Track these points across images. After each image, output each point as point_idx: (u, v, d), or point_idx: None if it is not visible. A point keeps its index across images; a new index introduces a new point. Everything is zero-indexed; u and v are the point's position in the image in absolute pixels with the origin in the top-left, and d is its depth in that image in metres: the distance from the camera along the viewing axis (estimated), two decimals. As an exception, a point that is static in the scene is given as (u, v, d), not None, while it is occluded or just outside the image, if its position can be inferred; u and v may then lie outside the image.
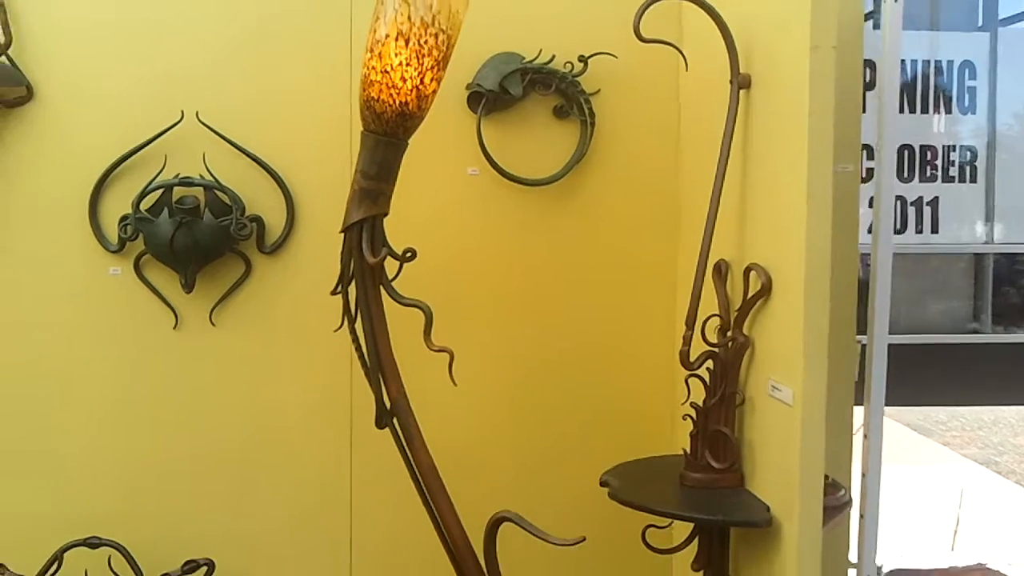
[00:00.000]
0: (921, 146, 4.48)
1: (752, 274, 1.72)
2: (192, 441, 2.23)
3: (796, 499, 1.58)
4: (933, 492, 7.33)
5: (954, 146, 4.27)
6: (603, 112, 2.19)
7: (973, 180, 4.31)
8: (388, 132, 1.76)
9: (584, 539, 1.70)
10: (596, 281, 2.22)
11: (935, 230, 4.52)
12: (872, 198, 5.31)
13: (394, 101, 1.72)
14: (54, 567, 2.06)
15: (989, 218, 4.34)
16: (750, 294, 1.73)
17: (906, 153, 5.10)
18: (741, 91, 1.82)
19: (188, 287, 2.17)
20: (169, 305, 2.18)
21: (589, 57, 2.13)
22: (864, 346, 2.26)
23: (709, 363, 1.81)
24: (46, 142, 2.17)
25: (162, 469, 2.23)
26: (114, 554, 2.08)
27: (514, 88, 2.12)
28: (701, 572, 1.87)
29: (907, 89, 5.12)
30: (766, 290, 1.69)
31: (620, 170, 2.22)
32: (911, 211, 5.13)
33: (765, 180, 1.73)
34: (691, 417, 1.83)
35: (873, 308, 2.26)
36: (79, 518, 2.13)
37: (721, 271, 1.84)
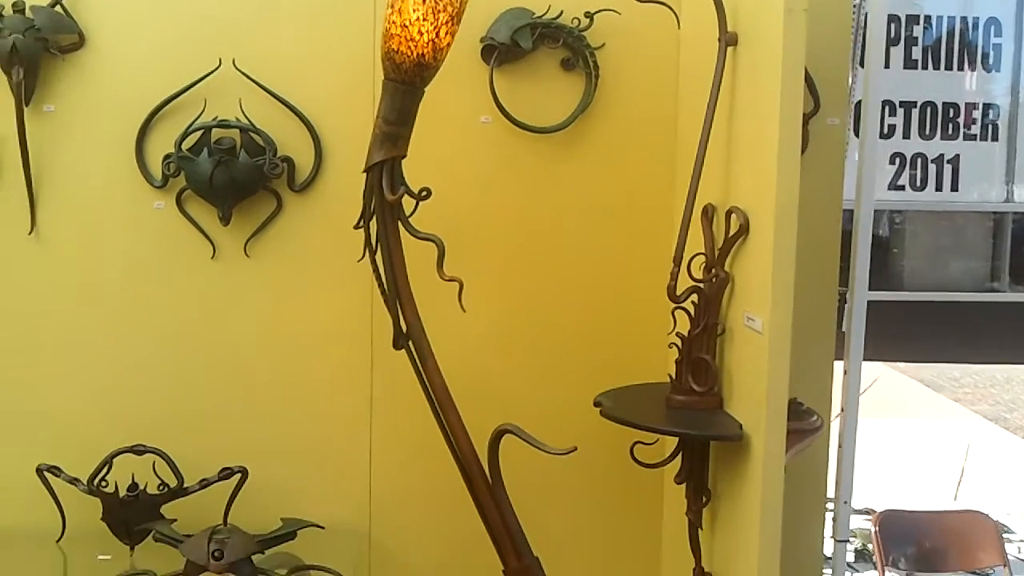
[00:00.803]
0: (944, 103, 4.53)
1: (732, 216, 1.87)
2: (227, 360, 2.38)
3: (763, 415, 1.74)
4: (940, 446, 7.46)
5: (977, 104, 4.31)
6: (607, 65, 2.31)
7: (995, 139, 4.35)
8: (407, 81, 1.90)
9: (576, 449, 1.86)
10: (597, 222, 2.35)
11: (955, 188, 4.56)
12: (892, 154, 5.28)
13: (412, 53, 1.86)
14: (104, 470, 2.19)
15: (1010, 178, 4.39)
16: (731, 234, 1.88)
17: (928, 110, 5.09)
18: (729, 48, 1.92)
19: (225, 220, 2.32)
20: (208, 237, 2.34)
21: (595, 13, 2.26)
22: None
23: (694, 297, 1.96)
24: (96, 85, 2.32)
25: (200, 384, 2.39)
26: (157, 460, 2.23)
27: (524, 42, 2.25)
28: (684, 484, 2.00)
29: (934, 46, 5.09)
30: (744, 230, 1.84)
31: (622, 120, 2.33)
32: (932, 168, 5.13)
33: (747, 131, 1.87)
34: (676, 346, 1.99)
35: (855, 258, 2.44)
36: (126, 428, 2.29)
37: (708, 213, 1.99)
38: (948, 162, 4.38)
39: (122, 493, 2.20)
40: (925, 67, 5.14)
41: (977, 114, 4.33)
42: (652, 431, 1.97)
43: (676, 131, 2.27)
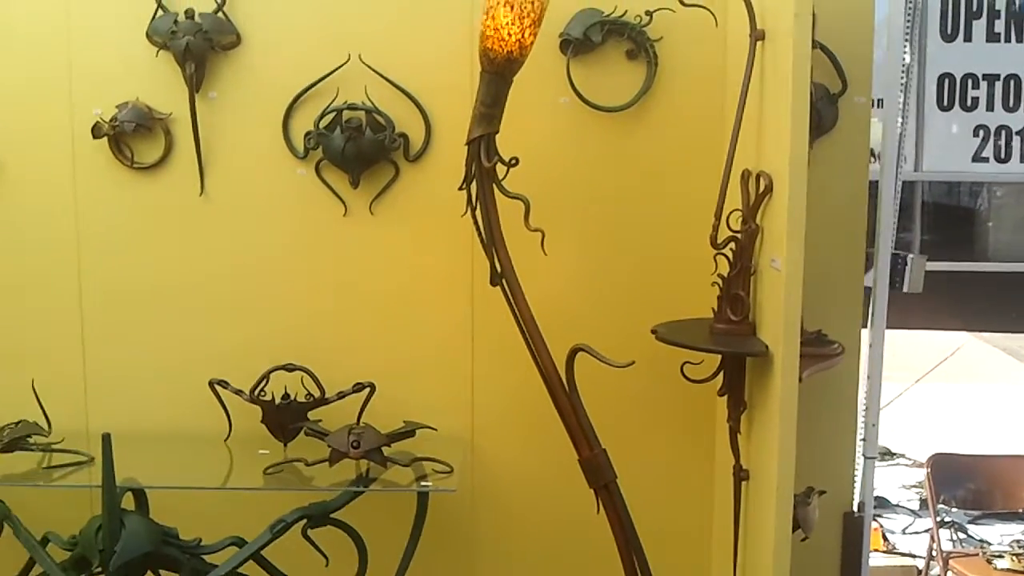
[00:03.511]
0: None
1: (761, 178, 2.21)
2: (357, 296, 2.69)
3: (781, 336, 2.08)
4: (1010, 410, 7.57)
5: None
6: (664, 55, 2.58)
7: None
8: (499, 72, 2.24)
9: (633, 363, 2.24)
10: (653, 184, 2.62)
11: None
12: (976, 127, 5.36)
13: (502, 51, 2.21)
14: (263, 383, 2.55)
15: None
16: (760, 193, 2.25)
17: (1012, 83, 5.19)
18: (758, 42, 2.26)
19: (354, 185, 2.64)
20: (340, 198, 2.66)
21: (654, 12, 2.53)
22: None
23: (732, 245, 2.29)
24: (251, 76, 2.65)
25: (336, 316, 2.71)
26: (304, 376, 2.57)
27: (595, 36, 2.55)
28: (725, 396, 2.37)
29: (1015, 17, 5.23)
30: (769, 190, 2.18)
31: (676, 101, 2.60)
32: (1016, 141, 5.25)
33: (772, 109, 2.19)
34: (718, 284, 2.33)
35: (880, 225, 2.76)
36: (279, 350, 2.63)
37: (744, 177, 2.31)
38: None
39: (277, 401, 2.57)
40: (1008, 40, 5.22)
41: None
42: (698, 350, 2.30)
43: (722, 110, 2.53)
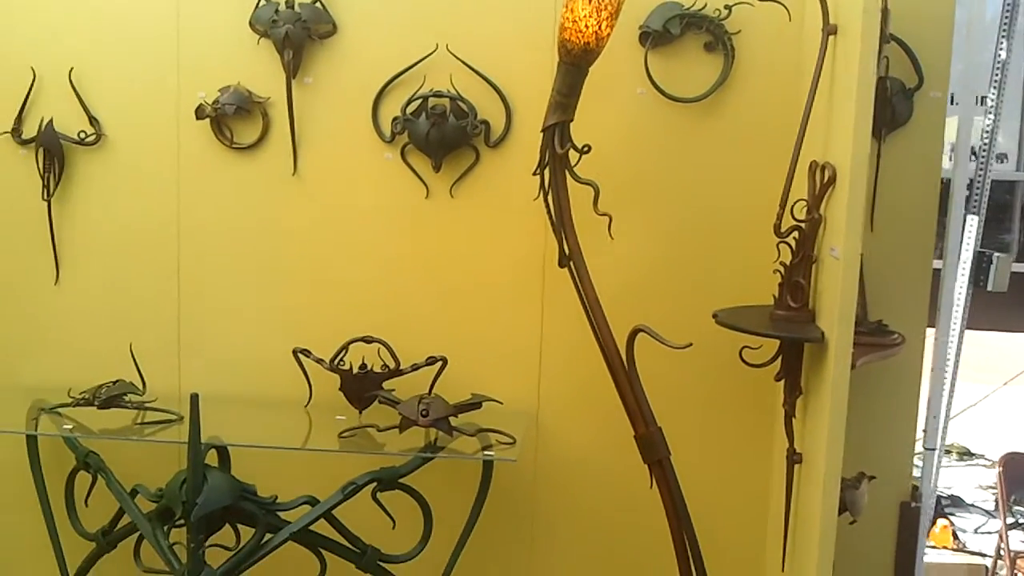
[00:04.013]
0: None
1: (826, 170, 2.25)
2: (434, 273, 2.80)
3: (836, 322, 2.12)
4: None
5: None
6: (741, 48, 2.62)
7: None
8: (575, 63, 2.33)
9: (691, 344, 2.31)
10: (723, 173, 2.67)
11: None
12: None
13: (580, 41, 2.30)
14: (342, 353, 2.68)
15: None
16: (824, 183, 2.27)
17: None
18: (831, 37, 2.29)
19: (436, 168, 2.74)
20: (423, 181, 2.76)
21: (733, 5, 2.59)
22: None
23: (795, 234, 2.32)
24: (344, 64, 2.76)
25: (414, 292, 2.81)
26: (381, 348, 2.68)
27: (674, 28, 2.61)
28: (782, 381, 2.41)
29: None
30: (832, 180, 2.21)
31: (751, 93, 2.64)
32: None
33: (840, 103, 2.22)
34: (780, 272, 2.37)
35: (949, 222, 2.78)
36: (359, 323, 2.74)
37: (812, 168, 2.33)
38: None
39: (355, 370, 2.68)
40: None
41: None
42: (757, 335, 2.34)
43: (796, 103, 2.51)
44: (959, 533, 4.68)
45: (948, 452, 5.85)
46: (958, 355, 4.18)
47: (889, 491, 2.73)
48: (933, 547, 4.58)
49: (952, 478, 5.60)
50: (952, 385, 4.75)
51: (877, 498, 2.67)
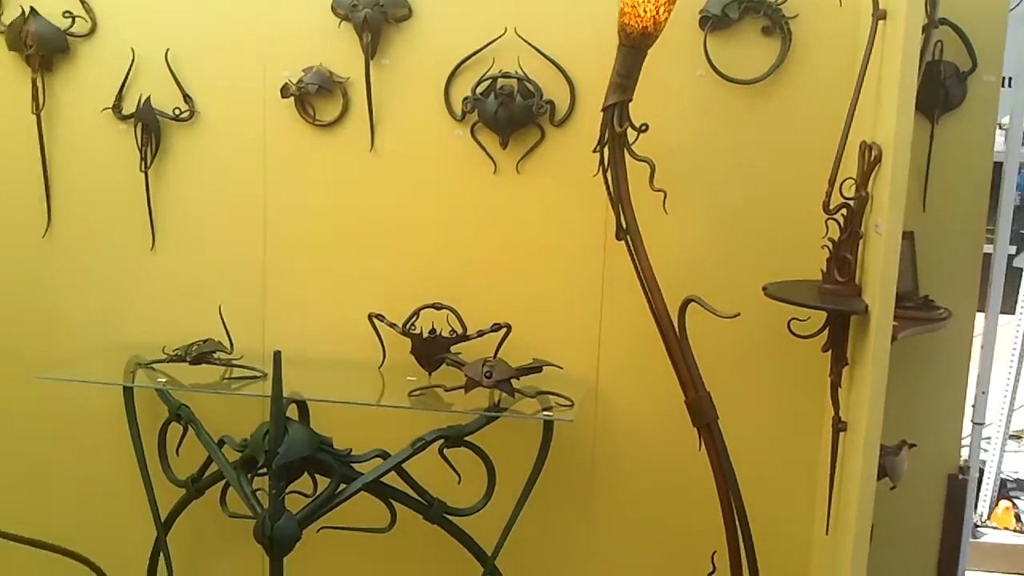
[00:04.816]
0: None
1: (873, 149, 2.34)
2: (501, 244, 2.92)
3: (878, 295, 2.21)
4: None
5: None
6: (798, 32, 2.68)
7: None
8: (634, 46, 2.43)
9: (739, 314, 2.41)
10: (777, 152, 2.74)
11: None
12: None
13: (638, 26, 2.40)
14: (414, 319, 2.81)
15: None
16: (871, 162, 2.35)
17: None
18: (880, 21, 2.38)
19: (504, 145, 2.85)
20: (491, 157, 2.87)
21: None
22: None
23: (844, 211, 2.40)
24: (419, 46, 2.88)
25: (481, 261, 2.93)
26: (449, 314, 2.81)
27: (732, 13, 2.68)
28: (829, 352, 2.48)
29: None
30: (878, 160, 2.29)
31: (807, 76, 2.69)
32: None
33: (887, 85, 2.28)
34: (828, 247, 2.45)
35: (1003, 197, 2.83)
36: (430, 290, 2.87)
37: (861, 148, 2.40)
38: None
39: (425, 335, 2.81)
40: None
41: None
42: (804, 306, 2.44)
43: (849, 86, 2.55)
44: (1021, 515, 4.70)
45: (1018, 437, 5.82)
46: (1024, 342, 4.21)
47: (938, 464, 2.82)
48: (995, 528, 4.62)
49: (1020, 463, 5.58)
50: (1019, 371, 4.77)
51: (926, 471, 2.80)
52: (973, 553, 3.57)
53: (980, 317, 2.89)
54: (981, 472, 4.56)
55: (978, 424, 2.91)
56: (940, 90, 2.69)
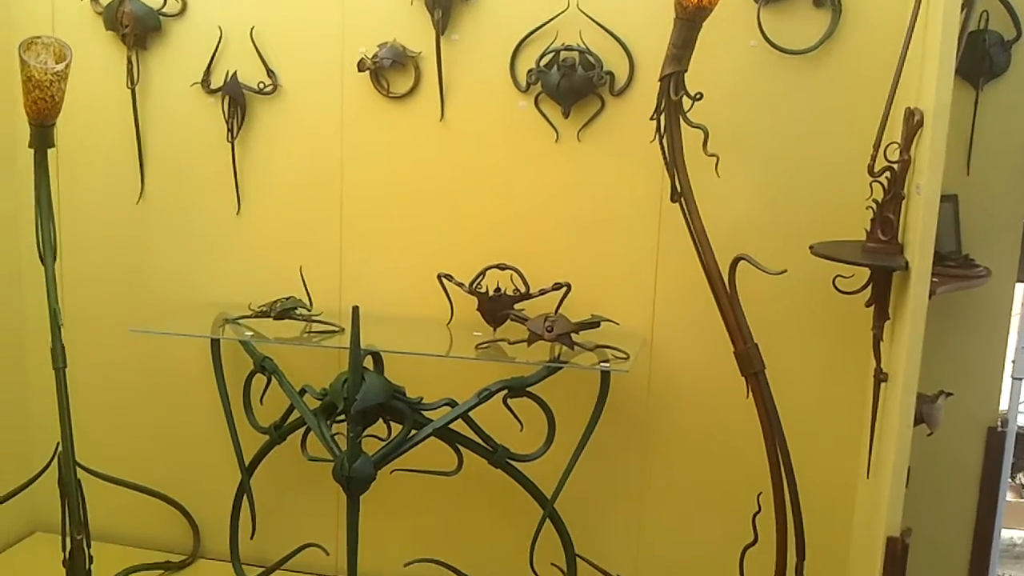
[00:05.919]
0: None
1: (915, 115, 2.43)
2: (563, 209, 3.05)
3: (917, 252, 2.33)
4: None
5: None
6: (848, 3, 2.78)
7: None
8: (689, 19, 2.52)
9: (786, 271, 2.50)
10: (825, 117, 2.83)
11: None
12: None
13: (693, 1, 2.53)
14: (480, 278, 2.95)
15: None
16: (913, 126, 2.45)
17: None
18: None
19: (566, 115, 2.98)
20: (553, 126, 3.00)
21: None
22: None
23: (887, 173, 2.50)
24: (486, 22, 3.02)
25: (544, 225, 3.07)
26: (513, 274, 2.96)
27: None
28: (872, 307, 2.59)
29: None
30: (919, 124, 2.40)
31: (856, 46, 2.77)
32: None
33: (929, 53, 2.38)
34: (872, 208, 2.56)
35: None
36: (495, 252, 3.04)
37: (906, 113, 2.49)
38: None
39: (490, 293, 2.95)
40: None
41: None
42: (848, 263, 2.55)
43: (896, 55, 2.65)
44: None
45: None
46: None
47: (978, 415, 2.94)
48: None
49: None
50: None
51: (966, 422, 2.93)
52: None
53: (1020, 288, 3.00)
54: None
55: (1017, 379, 2.99)
56: (984, 58, 2.79)
